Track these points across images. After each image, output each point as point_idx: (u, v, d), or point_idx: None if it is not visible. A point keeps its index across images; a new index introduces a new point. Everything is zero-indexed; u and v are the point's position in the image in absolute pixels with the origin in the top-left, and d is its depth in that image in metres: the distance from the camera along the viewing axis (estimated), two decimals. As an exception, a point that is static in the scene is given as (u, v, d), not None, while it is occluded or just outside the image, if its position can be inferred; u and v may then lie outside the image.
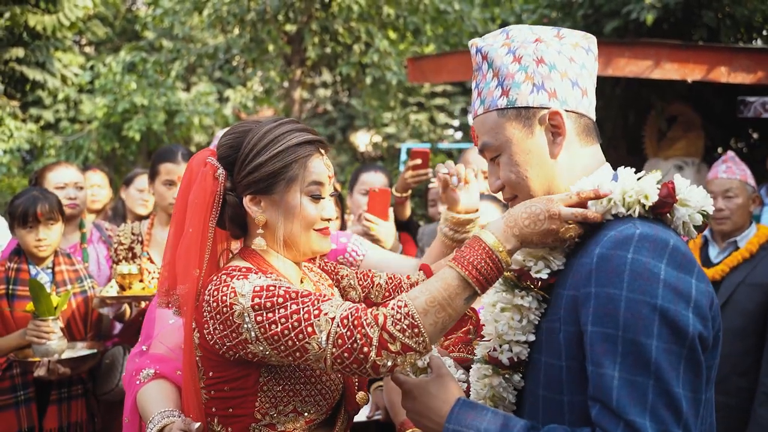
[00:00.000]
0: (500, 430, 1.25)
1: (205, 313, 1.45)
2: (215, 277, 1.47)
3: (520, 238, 1.32)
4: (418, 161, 3.20)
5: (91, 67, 12.63)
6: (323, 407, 1.52)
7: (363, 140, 17.41)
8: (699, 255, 3.51)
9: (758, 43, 6.47)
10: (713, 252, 3.48)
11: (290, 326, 1.35)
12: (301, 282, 1.65)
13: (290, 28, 10.31)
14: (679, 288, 1.19)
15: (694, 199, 1.33)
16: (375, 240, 2.99)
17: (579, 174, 1.39)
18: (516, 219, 1.33)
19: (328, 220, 1.55)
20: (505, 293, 1.41)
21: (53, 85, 12.88)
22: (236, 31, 10.67)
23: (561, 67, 1.37)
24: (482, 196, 2.59)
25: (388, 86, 10.52)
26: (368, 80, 10.24)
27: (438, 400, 1.36)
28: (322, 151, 1.56)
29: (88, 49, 16.79)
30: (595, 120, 1.43)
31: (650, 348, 1.16)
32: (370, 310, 1.35)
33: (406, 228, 3.56)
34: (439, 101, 16.04)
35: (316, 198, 1.53)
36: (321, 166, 1.54)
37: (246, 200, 1.52)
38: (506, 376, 1.41)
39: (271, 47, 10.37)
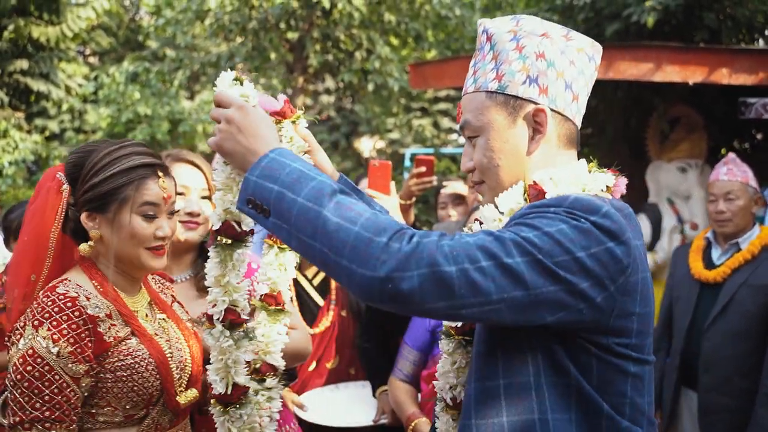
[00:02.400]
0: (310, 172, 1.23)
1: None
2: (38, 298, 1.57)
3: None
4: (423, 168, 3.18)
5: (95, 78, 12.71)
6: (139, 404, 1.62)
7: (367, 146, 17.43)
8: (702, 257, 3.50)
9: (760, 44, 6.46)
10: (715, 254, 3.47)
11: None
12: (139, 291, 1.76)
13: (292, 35, 10.35)
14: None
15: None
16: None
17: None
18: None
19: (162, 238, 1.65)
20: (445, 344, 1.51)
21: (57, 96, 12.94)
22: (238, 39, 10.71)
23: (559, 66, 1.36)
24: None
25: (390, 92, 10.54)
26: (370, 87, 10.25)
27: (267, 127, 1.35)
28: (160, 173, 1.66)
29: (92, 59, 16.88)
30: (578, 128, 1.43)
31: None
32: None
33: None
34: (442, 106, 16.05)
35: (149, 218, 1.63)
36: (155, 188, 1.64)
37: (83, 216, 1.64)
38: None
39: (273, 55, 10.41)
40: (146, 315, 1.74)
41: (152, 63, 12.19)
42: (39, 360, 1.50)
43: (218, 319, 1.52)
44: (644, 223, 5.40)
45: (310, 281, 3.10)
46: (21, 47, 12.37)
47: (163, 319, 1.79)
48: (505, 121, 1.37)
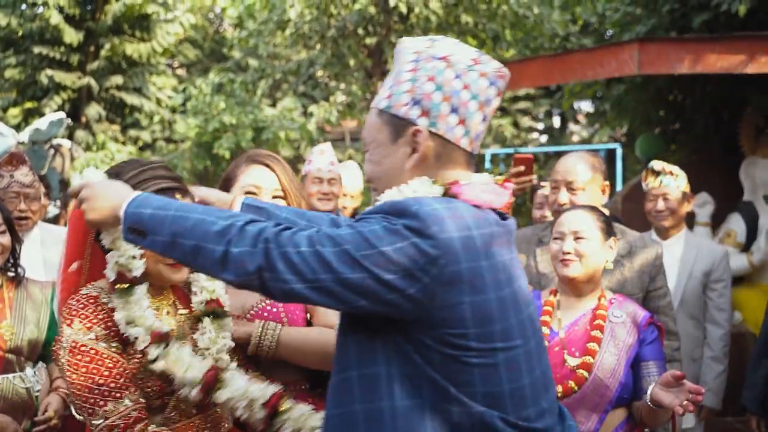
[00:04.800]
0: (163, 205, 1.47)
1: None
2: (67, 303, 1.76)
3: None
4: (521, 168, 3.16)
5: (183, 90, 13.25)
6: (151, 395, 1.76)
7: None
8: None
9: None
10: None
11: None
12: (165, 293, 1.90)
13: (370, 41, 10.46)
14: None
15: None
16: None
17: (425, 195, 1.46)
18: None
19: None
20: None
21: (149, 108, 13.58)
22: (318, 47, 10.92)
23: (447, 90, 1.43)
24: (576, 206, 2.55)
25: (468, 94, 10.48)
26: (448, 89, 10.23)
27: (120, 187, 1.59)
28: (178, 195, 1.77)
29: (180, 72, 17.60)
30: (470, 151, 1.49)
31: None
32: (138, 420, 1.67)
33: None
34: (522, 105, 15.83)
35: None
36: None
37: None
38: None
39: (352, 61, 10.55)
40: (167, 312, 1.88)
41: (236, 73, 12.60)
42: (83, 348, 1.68)
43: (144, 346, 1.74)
44: (738, 222, 5.17)
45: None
46: (116, 64, 13.06)
47: (185, 315, 1.93)
48: (388, 139, 1.48)
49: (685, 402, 2.03)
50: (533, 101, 15.91)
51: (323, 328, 2.14)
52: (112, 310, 1.74)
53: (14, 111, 12.89)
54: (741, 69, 4.94)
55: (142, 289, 1.76)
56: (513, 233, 1.56)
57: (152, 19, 13.13)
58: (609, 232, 2.42)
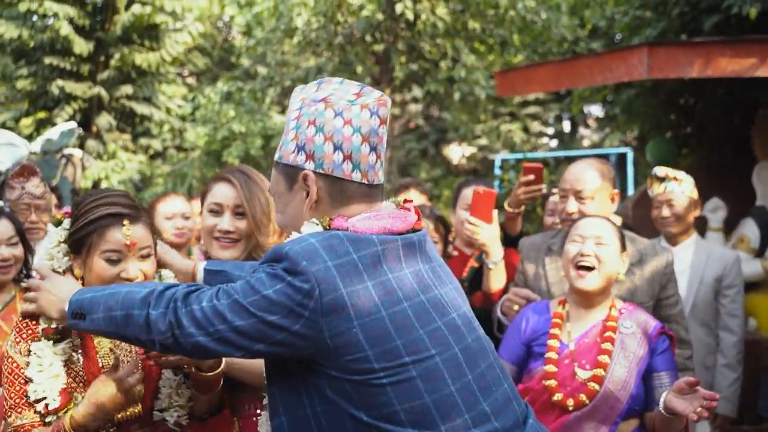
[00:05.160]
0: (101, 289, 1.62)
1: None
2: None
3: (84, 419, 1.73)
4: (531, 177, 3.12)
5: (193, 98, 13.29)
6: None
7: (456, 153, 17.35)
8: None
9: None
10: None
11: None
12: None
13: (377, 48, 10.45)
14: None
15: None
16: (480, 245, 2.92)
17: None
18: (90, 404, 1.74)
19: (129, 280, 1.84)
20: None
21: (159, 117, 13.63)
22: (326, 54, 10.93)
23: (328, 130, 1.48)
24: (593, 216, 2.51)
25: (477, 100, 10.45)
26: (457, 96, 10.20)
27: (67, 283, 1.77)
28: (125, 222, 1.85)
29: (189, 80, 17.68)
30: (368, 182, 1.52)
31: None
32: None
33: (515, 244, 3.47)
34: (531, 110, 15.77)
35: (113, 262, 1.84)
36: (116, 236, 1.84)
37: (70, 256, 1.91)
38: None
39: (359, 68, 10.54)
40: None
41: (245, 81, 12.63)
42: (10, 359, 1.83)
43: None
44: (752, 227, 5.10)
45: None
46: (126, 74, 13.13)
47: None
48: (285, 187, 1.56)
49: (699, 409, 1.99)
50: (543, 106, 15.85)
51: None
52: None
53: (26, 121, 12.98)
54: (752, 72, 4.88)
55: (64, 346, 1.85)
56: (421, 243, 1.56)
57: (161, 29, 13.18)
58: (623, 245, 2.41)
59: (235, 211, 2.22)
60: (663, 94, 6.59)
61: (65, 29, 11.93)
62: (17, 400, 1.80)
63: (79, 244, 1.87)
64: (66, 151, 9.67)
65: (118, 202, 1.89)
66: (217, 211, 2.22)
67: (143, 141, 13.75)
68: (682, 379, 2.07)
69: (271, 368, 1.53)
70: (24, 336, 1.84)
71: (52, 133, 9.45)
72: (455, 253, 3.53)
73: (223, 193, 2.24)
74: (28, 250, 2.79)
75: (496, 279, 2.98)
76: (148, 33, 13.10)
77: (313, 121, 1.50)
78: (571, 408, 2.23)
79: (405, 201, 1.62)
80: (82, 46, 12.23)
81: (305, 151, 1.50)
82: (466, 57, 9.77)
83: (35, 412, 1.79)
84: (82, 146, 12.28)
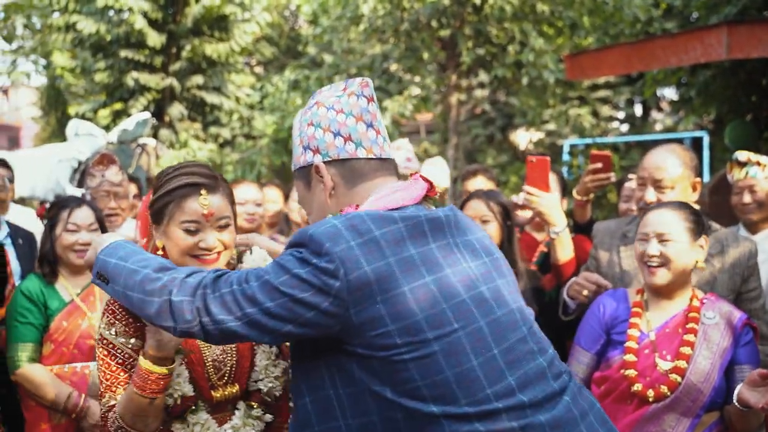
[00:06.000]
0: (125, 256, 1.64)
1: None
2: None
3: (160, 344, 1.75)
4: (599, 165, 3.06)
5: (261, 87, 13.54)
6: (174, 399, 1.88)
7: (523, 139, 17.09)
8: None
9: None
10: None
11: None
12: None
13: (444, 33, 10.37)
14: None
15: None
16: (539, 214, 2.88)
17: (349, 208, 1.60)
18: (154, 332, 1.75)
19: (208, 249, 1.86)
20: None
21: (228, 106, 13.95)
22: (392, 41, 10.93)
23: (324, 123, 1.62)
24: (660, 204, 2.44)
25: (545, 84, 10.25)
26: (525, 80, 10.04)
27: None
28: (203, 192, 1.86)
29: (257, 69, 18.00)
30: (375, 156, 1.62)
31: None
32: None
33: (586, 231, 3.43)
34: (601, 93, 15.36)
35: (191, 232, 1.86)
36: (194, 206, 1.85)
37: (153, 226, 1.94)
38: None
39: (425, 54, 10.50)
40: None
41: (311, 69, 12.77)
42: (104, 341, 1.85)
43: None
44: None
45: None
46: (196, 64, 13.48)
47: None
48: (305, 190, 1.69)
49: None
50: (613, 89, 15.40)
51: None
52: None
53: (104, 112, 13.51)
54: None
55: None
56: (450, 219, 1.60)
57: (230, 20, 13.46)
58: (699, 230, 2.30)
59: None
60: (743, 74, 6.33)
61: (139, 23, 12.33)
62: (113, 381, 1.83)
63: (159, 215, 1.89)
64: (141, 141, 10.03)
65: (196, 171, 1.90)
66: (241, 203, 2.33)
67: (213, 130, 14.10)
68: (756, 371, 2.00)
69: (296, 351, 1.59)
70: (118, 317, 1.85)
71: (127, 124, 9.82)
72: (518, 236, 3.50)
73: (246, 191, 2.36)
74: None
75: (562, 248, 2.93)
76: (218, 24, 13.41)
77: (311, 122, 1.65)
78: (651, 399, 2.19)
79: (411, 175, 1.69)
80: (155, 39, 12.62)
81: (310, 148, 1.64)
82: (534, 40, 9.59)
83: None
84: (155, 136, 12.70)
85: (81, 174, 9.01)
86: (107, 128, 11.95)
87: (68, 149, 9.01)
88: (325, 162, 1.63)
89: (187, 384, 1.85)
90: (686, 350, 2.20)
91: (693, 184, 2.65)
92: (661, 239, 2.26)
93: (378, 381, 1.44)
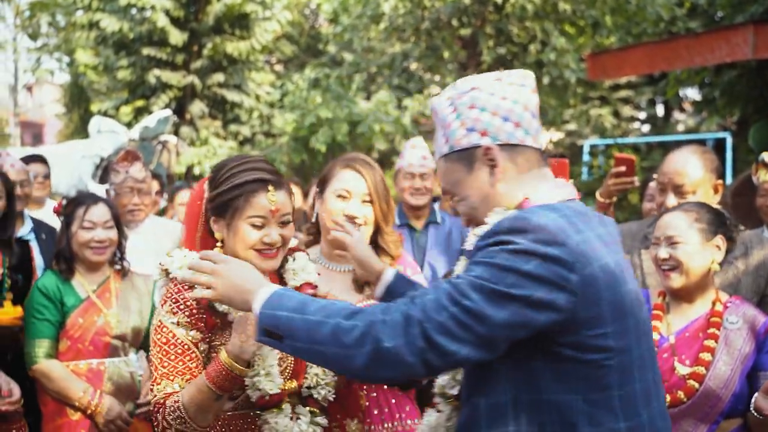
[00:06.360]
0: (298, 307, 1.47)
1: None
2: (168, 284, 1.90)
3: (245, 345, 1.72)
4: (623, 168, 3.03)
5: (281, 85, 13.58)
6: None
7: (544, 138, 16.98)
8: None
9: None
10: None
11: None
12: None
13: (464, 32, 10.33)
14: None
15: None
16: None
17: (521, 196, 1.52)
18: (240, 333, 1.73)
19: (270, 245, 1.86)
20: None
21: (248, 104, 14.01)
22: (412, 39, 10.90)
23: (491, 106, 1.53)
24: (676, 206, 2.39)
25: (566, 84, 10.17)
26: (545, 80, 9.96)
27: (251, 274, 1.64)
28: (271, 188, 1.87)
29: (277, 67, 18.06)
30: (538, 147, 1.57)
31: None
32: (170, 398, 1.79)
33: None
34: (623, 93, 15.21)
35: (257, 227, 1.85)
36: (262, 202, 1.85)
37: (211, 220, 1.93)
38: None
39: (446, 53, 10.47)
40: None
41: (331, 68, 12.78)
42: (164, 329, 1.84)
43: None
44: None
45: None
46: (217, 62, 13.56)
47: None
48: (464, 172, 1.57)
49: None
50: (635, 89, 15.25)
51: None
52: (202, 301, 1.83)
53: (126, 109, 13.63)
54: None
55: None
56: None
57: (251, 18, 13.51)
58: (713, 230, 2.23)
59: (363, 198, 2.36)
60: (769, 75, 6.21)
61: (161, 21, 12.43)
62: (171, 370, 1.81)
63: (223, 208, 1.87)
64: (162, 138, 10.10)
65: (263, 167, 1.90)
66: (344, 196, 2.35)
67: (233, 127, 14.17)
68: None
69: None
70: (181, 308, 1.83)
71: (149, 121, 9.89)
72: None
73: (351, 180, 2.37)
74: (122, 235, 2.95)
75: None
76: (239, 22, 13.47)
77: (473, 104, 1.54)
78: (667, 404, 2.15)
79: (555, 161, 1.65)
80: (176, 37, 12.71)
81: (476, 130, 1.53)
82: (555, 40, 9.51)
83: (190, 378, 1.82)
84: (176, 133, 12.79)
85: (103, 170, 9.10)
86: (129, 125, 12.05)
87: (91, 146, 9.11)
88: (495, 145, 1.53)
89: (278, 378, 1.86)
90: (706, 356, 2.15)
91: (714, 187, 2.60)
92: (670, 242, 2.22)
93: (567, 388, 1.38)
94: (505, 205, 1.52)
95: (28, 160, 4.33)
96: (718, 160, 2.69)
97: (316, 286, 2.05)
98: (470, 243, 1.58)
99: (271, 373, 1.83)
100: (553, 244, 1.35)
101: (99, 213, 2.90)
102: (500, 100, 1.53)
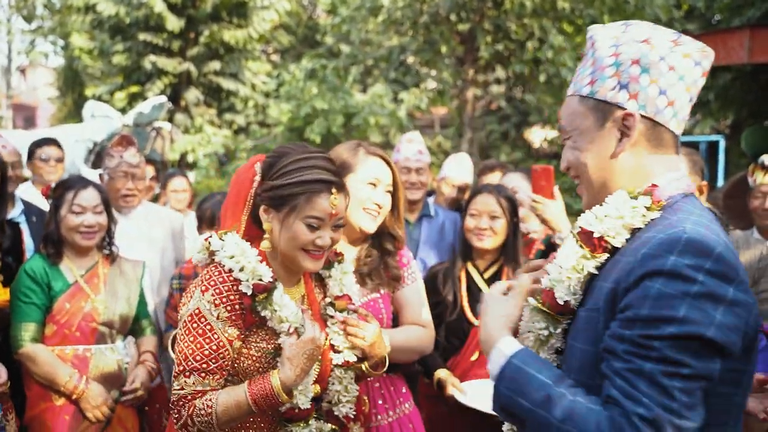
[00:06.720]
0: (556, 378, 1.32)
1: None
2: (209, 268, 1.84)
3: (298, 378, 1.75)
4: (542, 182, 3.06)
5: (277, 75, 13.54)
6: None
7: (538, 136, 16.99)
8: None
9: None
10: None
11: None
12: (297, 284, 1.99)
13: (463, 27, 10.31)
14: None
15: None
16: (544, 221, 2.92)
17: (642, 177, 1.42)
18: (296, 366, 1.75)
19: (321, 247, 1.83)
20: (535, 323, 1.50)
21: (244, 93, 13.96)
22: (410, 33, 10.88)
23: (654, 73, 1.39)
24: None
25: (563, 82, 10.18)
26: (542, 77, 9.97)
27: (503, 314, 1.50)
28: (334, 190, 1.81)
29: (274, 57, 18.00)
30: (678, 134, 1.45)
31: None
32: (201, 397, 1.76)
33: None
34: (619, 93, 15.21)
35: (312, 228, 1.81)
36: (324, 204, 1.80)
37: (261, 208, 1.85)
38: None
39: (443, 48, 10.45)
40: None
41: (328, 59, 12.74)
42: (203, 319, 1.76)
43: None
44: None
45: (481, 273, 3.09)
46: (214, 50, 13.51)
47: (310, 313, 1.96)
48: (593, 125, 1.45)
49: None
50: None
51: (416, 326, 2.43)
52: (245, 297, 1.78)
53: (120, 95, 13.56)
54: None
55: (279, 291, 1.84)
56: None
57: (249, 6, 13.47)
58: None
59: (387, 188, 2.39)
60: (764, 79, 6.24)
61: (159, 6, 12.37)
62: (203, 367, 1.76)
63: (280, 201, 1.81)
64: (156, 125, 10.06)
65: (327, 167, 1.84)
66: (375, 184, 2.37)
67: (228, 116, 14.13)
68: (755, 377, 1.97)
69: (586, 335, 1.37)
70: (224, 301, 1.77)
71: (143, 107, 9.85)
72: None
73: (380, 169, 2.39)
74: (111, 220, 2.93)
75: None
76: (237, 10, 13.43)
77: (638, 60, 1.40)
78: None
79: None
80: (174, 23, 12.65)
81: (628, 90, 1.40)
82: (553, 37, 9.52)
83: (220, 378, 1.78)
84: (171, 120, 12.74)
85: (96, 155, 9.07)
86: (123, 111, 12.00)
87: (84, 130, 9.06)
88: (640, 114, 1.40)
89: (310, 393, 1.87)
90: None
91: (699, 188, 2.63)
92: None
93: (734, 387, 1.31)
94: (629, 186, 1.41)
95: (41, 143, 4.31)
96: (702, 162, 2.72)
97: (352, 300, 2.08)
98: (586, 221, 1.43)
99: (305, 389, 1.84)
100: (732, 281, 1.23)
101: (88, 197, 2.87)
102: (668, 70, 1.40)
